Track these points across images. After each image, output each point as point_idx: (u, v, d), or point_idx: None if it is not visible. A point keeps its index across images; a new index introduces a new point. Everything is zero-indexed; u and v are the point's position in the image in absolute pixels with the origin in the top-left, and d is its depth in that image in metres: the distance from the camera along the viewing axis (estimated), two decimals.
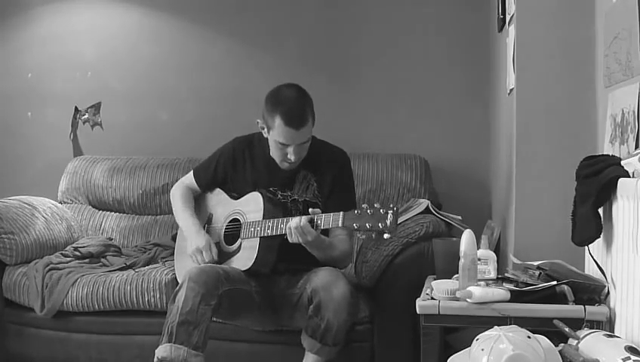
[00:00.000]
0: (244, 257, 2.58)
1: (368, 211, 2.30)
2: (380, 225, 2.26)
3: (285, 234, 2.45)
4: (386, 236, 2.28)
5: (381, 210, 2.27)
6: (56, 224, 3.32)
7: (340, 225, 2.36)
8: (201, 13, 3.82)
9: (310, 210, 2.45)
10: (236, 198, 2.74)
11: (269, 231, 2.52)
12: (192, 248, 2.65)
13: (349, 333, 2.48)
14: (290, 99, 2.55)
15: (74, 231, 3.42)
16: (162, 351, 2.32)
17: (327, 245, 2.56)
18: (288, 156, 2.56)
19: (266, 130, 2.60)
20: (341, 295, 2.38)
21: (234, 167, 2.77)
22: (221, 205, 2.78)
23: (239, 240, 2.65)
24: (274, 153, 2.62)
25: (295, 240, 2.42)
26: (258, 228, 2.55)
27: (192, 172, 2.89)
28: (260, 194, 2.63)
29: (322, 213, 2.44)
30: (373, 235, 2.32)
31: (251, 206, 2.64)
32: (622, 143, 1.97)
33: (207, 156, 2.88)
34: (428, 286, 2.23)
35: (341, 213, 2.36)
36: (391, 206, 2.28)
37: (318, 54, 3.72)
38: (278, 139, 2.54)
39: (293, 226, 2.41)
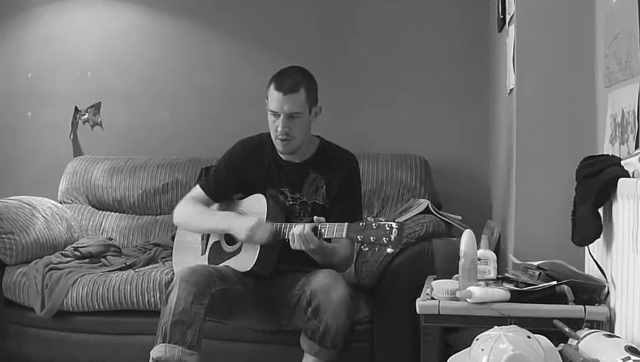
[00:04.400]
0: (245, 258, 2.57)
1: (373, 225, 2.28)
2: (384, 239, 2.25)
3: (287, 240, 2.44)
4: (389, 250, 2.28)
5: (386, 225, 2.25)
6: (56, 224, 3.32)
7: (343, 235, 2.35)
8: (201, 13, 3.82)
9: (315, 218, 2.44)
10: (241, 198, 2.73)
11: None
12: (244, 231, 2.50)
13: (348, 334, 2.48)
14: (288, 69, 2.61)
15: (74, 231, 3.42)
16: (157, 351, 2.33)
17: (330, 251, 2.53)
18: (278, 128, 2.56)
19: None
20: (340, 298, 2.37)
21: (247, 168, 2.71)
22: (225, 204, 2.76)
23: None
24: (270, 127, 2.62)
25: (298, 247, 2.41)
26: None
27: (197, 187, 2.77)
28: (263, 196, 2.62)
29: (327, 216, 2.43)
30: (377, 249, 2.30)
31: (255, 207, 2.62)
32: (622, 143, 1.97)
33: (215, 162, 2.83)
34: (428, 286, 2.23)
35: (345, 223, 2.35)
36: (396, 221, 2.27)
37: (318, 54, 3.72)
38: (270, 107, 2.58)
39: (296, 234, 2.39)
